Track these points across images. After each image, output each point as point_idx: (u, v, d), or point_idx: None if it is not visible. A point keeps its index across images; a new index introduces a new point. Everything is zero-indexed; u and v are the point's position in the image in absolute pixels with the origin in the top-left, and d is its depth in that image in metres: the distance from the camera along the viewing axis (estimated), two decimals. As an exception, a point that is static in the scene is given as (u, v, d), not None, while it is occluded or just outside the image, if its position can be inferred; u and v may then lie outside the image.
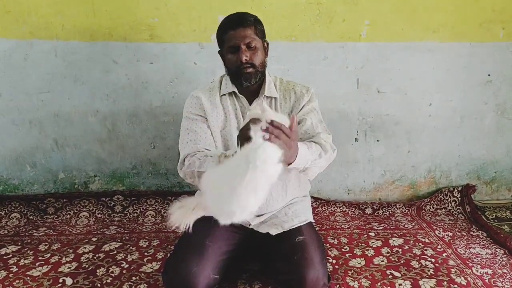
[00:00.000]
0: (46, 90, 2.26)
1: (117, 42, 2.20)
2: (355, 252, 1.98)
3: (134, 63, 2.24)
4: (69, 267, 1.82)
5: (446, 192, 2.52)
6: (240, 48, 1.48)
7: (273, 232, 1.52)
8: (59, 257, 1.91)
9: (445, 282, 1.72)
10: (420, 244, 2.06)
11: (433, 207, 2.49)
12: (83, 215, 2.32)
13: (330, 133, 1.59)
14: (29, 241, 2.07)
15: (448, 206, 2.49)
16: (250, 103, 1.60)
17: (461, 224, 2.33)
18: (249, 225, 1.58)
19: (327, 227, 2.26)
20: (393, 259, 1.91)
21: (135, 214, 2.35)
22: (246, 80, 1.53)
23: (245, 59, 1.48)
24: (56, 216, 2.32)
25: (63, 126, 2.32)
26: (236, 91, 1.60)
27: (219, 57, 2.22)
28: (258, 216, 1.59)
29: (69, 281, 1.72)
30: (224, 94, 1.62)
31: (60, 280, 1.72)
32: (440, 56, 2.34)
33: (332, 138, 1.56)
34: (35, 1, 2.11)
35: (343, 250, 2.00)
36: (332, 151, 1.51)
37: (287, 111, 1.61)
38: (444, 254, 1.96)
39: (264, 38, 1.57)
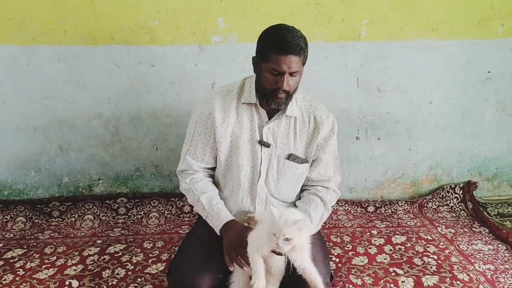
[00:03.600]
0: (50, 95, 2.28)
1: (119, 45, 2.22)
2: (358, 250, 2.00)
3: (135, 66, 2.26)
4: (75, 270, 1.84)
5: (448, 189, 2.53)
6: (283, 75, 1.38)
7: None
8: (64, 260, 1.93)
9: (448, 279, 1.73)
10: (423, 241, 2.07)
11: (435, 204, 2.50)
12: (88, 218, 2.34)
13: (340, 173, 1.67)
14: (34, 244, 2.09)
15: (450, 203, 2.50)
16: (270, 117, 1.56)
17: (463, 221, 2.34)
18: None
19: (330, 225, 2.27)
20: (396, 257, 1.93)
21: (139, 216, 2.37)
22: (276, 105, 1.47)
23: (285, 88, 1.42)
24: (61, 219, 2.34)
25: (67, 131, 2.34)
26: (258, 103, 1.54)
27: (220, 59, 2.27)
28: None
29: (75, 283, 1.74)
30: (244, 103, 1.55)
31: (67, 283, 1.74)
32: (439, 54, 2.35)
33: (341, 179, 1.67)
34: (37, 7, 2.14)
35: (346, 248, 2.01)
36: (336, 197, 1.62)
37: (305, 137, 1.58)
38: (447, 251, 1.97)
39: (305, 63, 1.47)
